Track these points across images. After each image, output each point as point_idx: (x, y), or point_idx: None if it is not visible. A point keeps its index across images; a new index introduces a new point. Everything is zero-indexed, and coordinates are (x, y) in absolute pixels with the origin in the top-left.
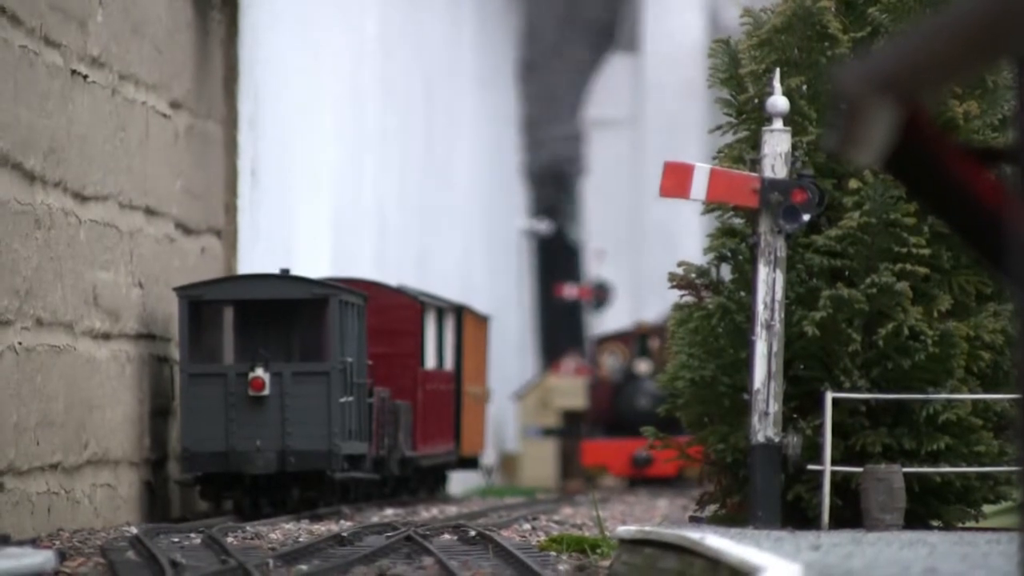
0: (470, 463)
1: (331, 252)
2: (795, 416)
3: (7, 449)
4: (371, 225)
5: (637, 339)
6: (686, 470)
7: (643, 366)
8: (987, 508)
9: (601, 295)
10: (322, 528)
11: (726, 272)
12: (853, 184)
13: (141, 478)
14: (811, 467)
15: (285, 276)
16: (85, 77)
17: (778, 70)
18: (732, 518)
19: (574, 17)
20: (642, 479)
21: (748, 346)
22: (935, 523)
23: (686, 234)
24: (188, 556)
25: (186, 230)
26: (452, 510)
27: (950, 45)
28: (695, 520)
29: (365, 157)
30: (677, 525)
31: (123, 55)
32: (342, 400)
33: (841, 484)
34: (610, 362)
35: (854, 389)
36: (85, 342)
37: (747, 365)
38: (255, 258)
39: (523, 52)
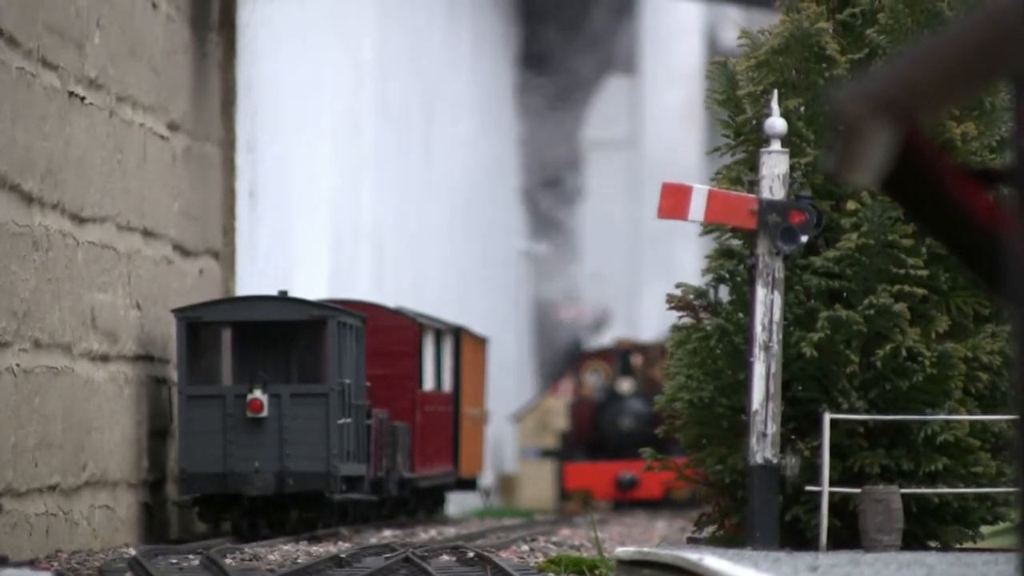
0: (468, 484)
1: (329, 273)
2: (793, 437)
3: (5, 471)
4: (369, 246)
5: (619, 356)
6: (673, 492)
7: (626, 385)
8: (985, 529)
9: (599, 316)
10: (320, 549)
11: (724, 293)
12: (851, 205)
13: (139, 499)
14: (809, 488)
15: (283, 298)
16: (82, 99)
17: (776, 91)
18: (730, 539)
19: (572, 39)
20: (627, 502)
21: (746, 367)
22: (933, 544)
23: (684, 255)
24: None
25: (184, 252)
26: (450, 531)
27: (948, 66)
28: (693, 541)
29: (363, 178)
30: (675, 546)
31: (120, 77)
32: (340, 421)
33: (839, 505)
34: (592, 380)
35: (852, 410)
36: (83, 364)
37: (745, 386)
38: (253, 280)
39: (521, 73)
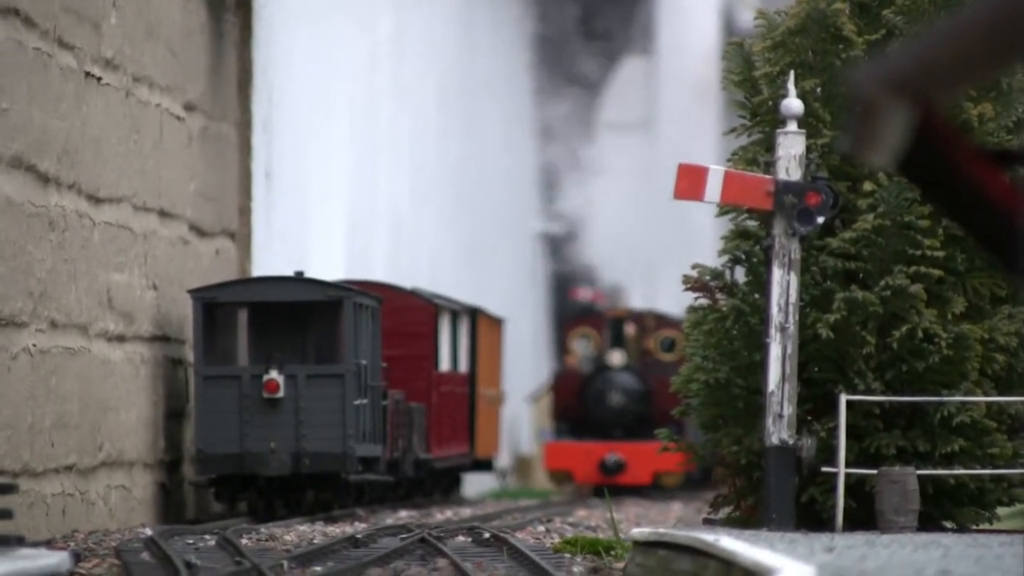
0: (484, 465)
1: (345, 254)
2: (809, 418)
3: (22, 451)
4: (385, 227)
5: (610, 324)
6: (662, 477)
7: (616, 357)
8: (1001, 510)
9: (615, 297)
10: (336, 530)
11: (740, 274)
12: (867, 186)
13: (156, 480)
14: (825, 469)
15: (299, 278)
16: (99, 79)
17: (792, 72)
18: (746, 520)
19: (588, 19)
20: (612, 487)
21: (762, 348)
22: (949, 525)
23: (700, 236)
24: (203, 557)
25: (200, 232)
26: (466, 512)
27: (964, 47)
28: (709, 522)
29: (379, 159)
30: (691, 527)
31: (137, 57)
32: (356, 402)
33: (855, 486)
34: (579, 348)
35: (868, 391)
36: (99, 344)
37: (761, 367)
38: (269, 260)
39: (537, 53)
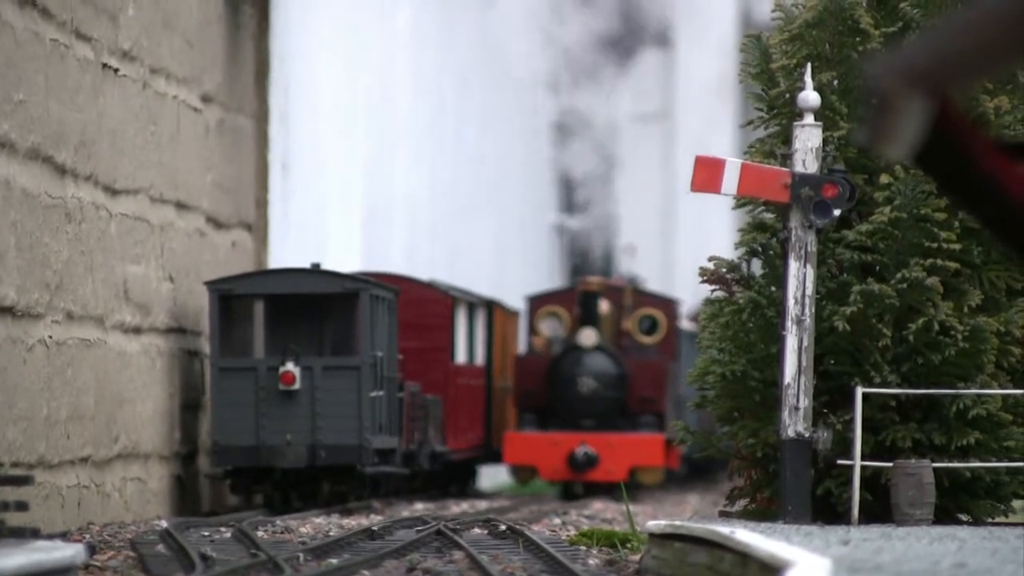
0: (500, 457)
1: (362, 246)
2: (825, 411)
3: (38, 442)
4: (402, 219)
5: (581, 299)
6: (640, 473)
7: (588, 336)
8: (1017, 503)
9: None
10: (352, 522)
11: (757, 267)
12: (884, 179)
13: (171, 472)
14: (841, 462)
15: (316, 270)
16: (116, 71)
17: (809, 65)
18: (762, 513)
19: (606, 11)
20: (582, 484)
21: (779, 341)
22: (965, 518)
23: (717, 229)
24: (218, 550)
25: (217, 224)
26: (482, 504)
27: (981, 39)
28: (725, 515)
29: (396, 151)
30: (707, 520)
31: (154, 49)
32: (372, 394)
33: (871, 479)
34: (548, 328)
35: (884, 384)
36: (116, 336)
37: (778, 360)
38: (286, 252)
39: (555, 44)
